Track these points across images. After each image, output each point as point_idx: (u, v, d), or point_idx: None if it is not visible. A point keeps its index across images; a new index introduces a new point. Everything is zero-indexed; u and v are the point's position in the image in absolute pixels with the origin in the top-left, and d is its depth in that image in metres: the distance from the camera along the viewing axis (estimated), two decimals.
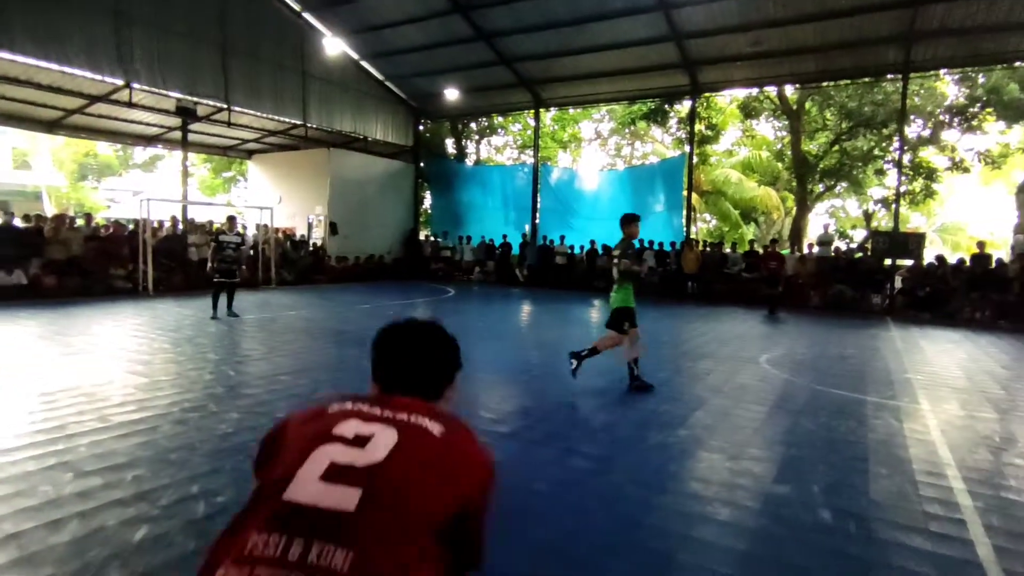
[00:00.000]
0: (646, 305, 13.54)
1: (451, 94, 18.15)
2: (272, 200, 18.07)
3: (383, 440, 1.13)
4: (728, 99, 21.83)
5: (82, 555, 2.56)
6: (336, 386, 5.51)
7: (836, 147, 19.51)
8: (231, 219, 10.21)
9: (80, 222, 13.62)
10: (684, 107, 20.35)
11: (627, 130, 26.11)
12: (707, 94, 17.91)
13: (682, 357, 7.59)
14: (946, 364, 7.64)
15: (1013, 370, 7.43)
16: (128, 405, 4.67)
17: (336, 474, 1.08)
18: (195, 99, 14.13)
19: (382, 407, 1.22)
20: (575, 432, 4.44)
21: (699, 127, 19.70)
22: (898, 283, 13.84)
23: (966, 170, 18.39)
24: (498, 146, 28.10)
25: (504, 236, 18.84)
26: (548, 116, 23.88)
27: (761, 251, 14.94)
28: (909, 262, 13.92)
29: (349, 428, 1.16)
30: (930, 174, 17.98)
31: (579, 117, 26.40)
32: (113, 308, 10.31)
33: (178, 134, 15.29)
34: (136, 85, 13.08)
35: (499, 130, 26.59)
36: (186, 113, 14.24)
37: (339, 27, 16.43)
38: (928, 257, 14.07)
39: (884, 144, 18.75)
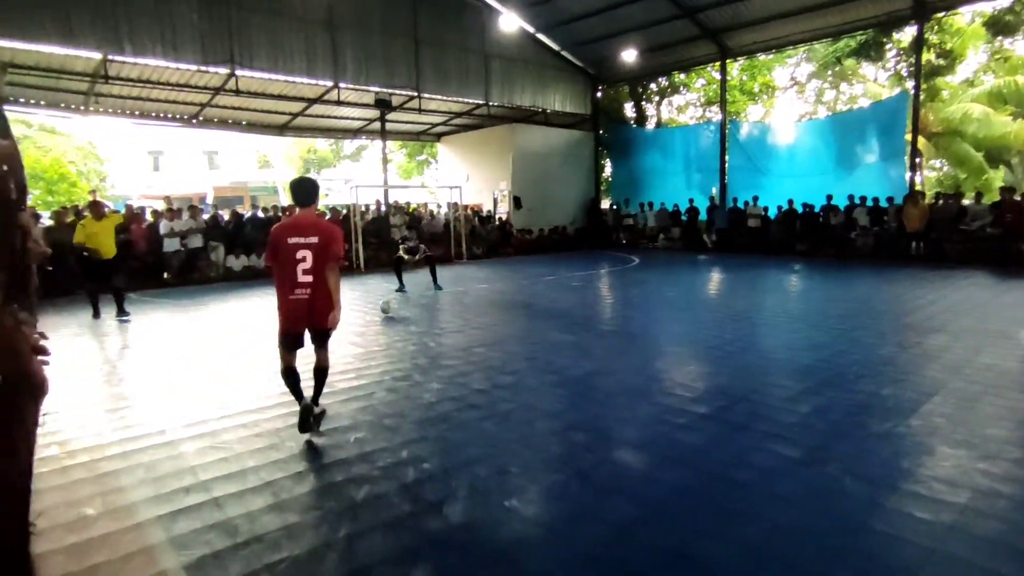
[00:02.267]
0: (858, 269, 11.94)
1: (629, 56, 17.48)
2: (460, 178, 19.16)
3: (312, 244, 3.76)
4: (969, 16, 18.05)
5: (320, 506, 2.93)
6: (528, 358, 5.67)
7: None
8: (412, 229, 11.28)
9: None
10: (906, 35, 17.30)
11: (830, 71, 22.95)
12: (938, 15, 14.94)
13: (906, 330, 6.52)
14: None
15: None
16: (348, 373, 5.28)
17: (304, 261, 3.76)
18: (391, 90, 15.41)
19: (304, 236, 3.74)
20: (780, 415, 4.02)
21: (927, 56, 16.60)
22: None
23: None
24: (680, 105, 26.55)
25: (691, 200, 17.86)
26: (735, 67, 21.90)
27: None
28: None
29: (301, 252, 3.75)
30: None
31: (771, 64, 23.79)
32: None
33: (377, 125, 16.85)
34: (343, 84, 14.65)
35: (681, 88, 25.06)
36: (383, 104, 15.59)
37: (515, 2, 16.63)
38: None
39: None
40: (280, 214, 14.57)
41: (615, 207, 20.75)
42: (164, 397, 4.76)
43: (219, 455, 3.56)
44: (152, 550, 2.58)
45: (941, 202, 13.50)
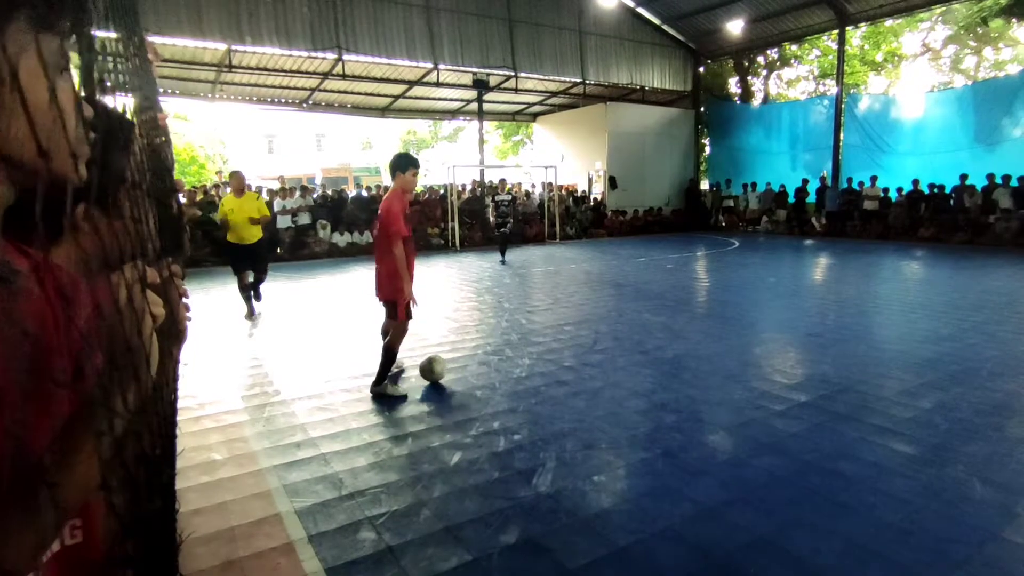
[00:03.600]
0: (996, 257, 10.76)
1: (735, 27, 16.58)
2: (555, 158, 19.09)
3: (376, 219, 4.16)
4: None
5: (416, 467, 3.10)
6: (618, 338, 5.63)
7: None
8: (502, 181, 11.92)
9: None
10: None
11: (972, 34, 20.56)
12: None
13: None
14: None
15: None
16: (444, 345, 5.49)
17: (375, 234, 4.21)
18: (487, 71, 15.56)
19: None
20: (893, 409, 3.76)
21: None
22: None
23: None
24: (790, 79, 24.85)
25: (804, 181, 16.80)
26: (856, 34, 20.15)
27: None
28: None
29: (374, 228, 4.19)
30: None
31: (899, 29, 21.62)
32: (431, 261, 12.21)
33: (475, 106, 17.10)
34: (442, 66, 14.96)
35: (792, 61, 23.43)
36: (481, 85, 15.77)
37: None
38: None
39: None
40: (382, 193, 15.23)
41: (714, 188, 19.91)
42: (279, 360, 5.18)
43: (326, 415, 3.85)
44: (269, 495, 2.85)
45: None
